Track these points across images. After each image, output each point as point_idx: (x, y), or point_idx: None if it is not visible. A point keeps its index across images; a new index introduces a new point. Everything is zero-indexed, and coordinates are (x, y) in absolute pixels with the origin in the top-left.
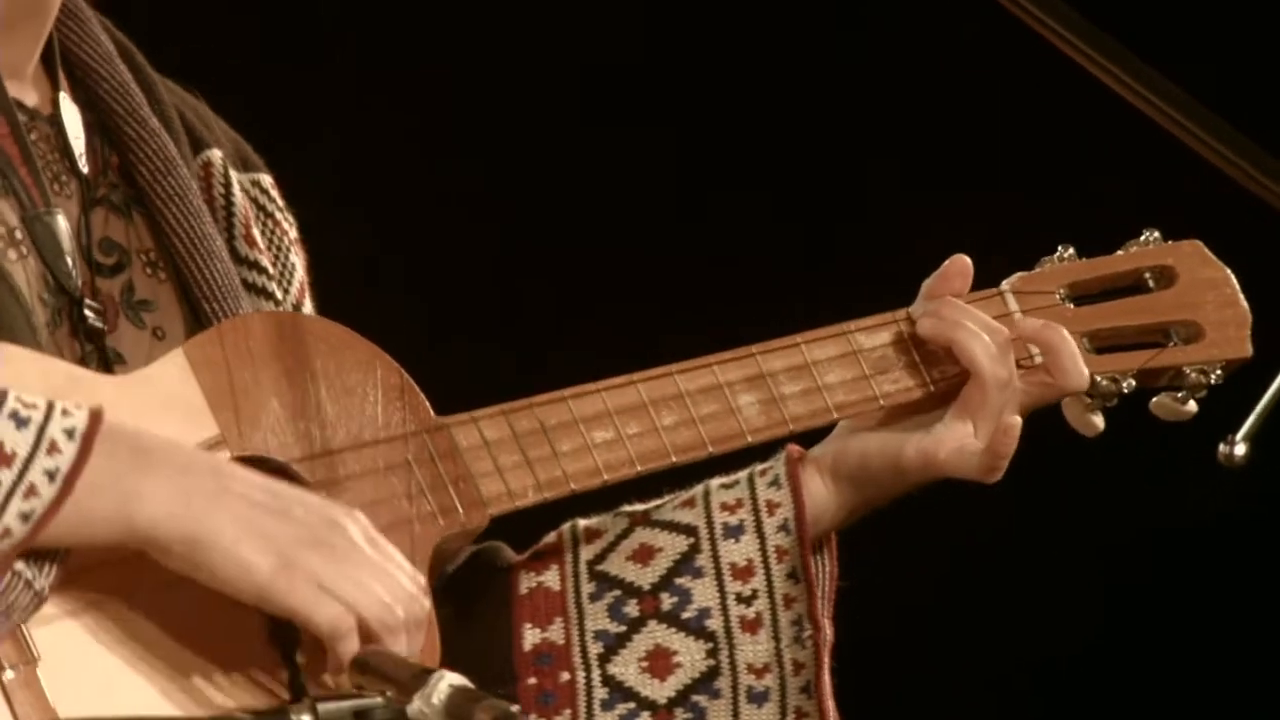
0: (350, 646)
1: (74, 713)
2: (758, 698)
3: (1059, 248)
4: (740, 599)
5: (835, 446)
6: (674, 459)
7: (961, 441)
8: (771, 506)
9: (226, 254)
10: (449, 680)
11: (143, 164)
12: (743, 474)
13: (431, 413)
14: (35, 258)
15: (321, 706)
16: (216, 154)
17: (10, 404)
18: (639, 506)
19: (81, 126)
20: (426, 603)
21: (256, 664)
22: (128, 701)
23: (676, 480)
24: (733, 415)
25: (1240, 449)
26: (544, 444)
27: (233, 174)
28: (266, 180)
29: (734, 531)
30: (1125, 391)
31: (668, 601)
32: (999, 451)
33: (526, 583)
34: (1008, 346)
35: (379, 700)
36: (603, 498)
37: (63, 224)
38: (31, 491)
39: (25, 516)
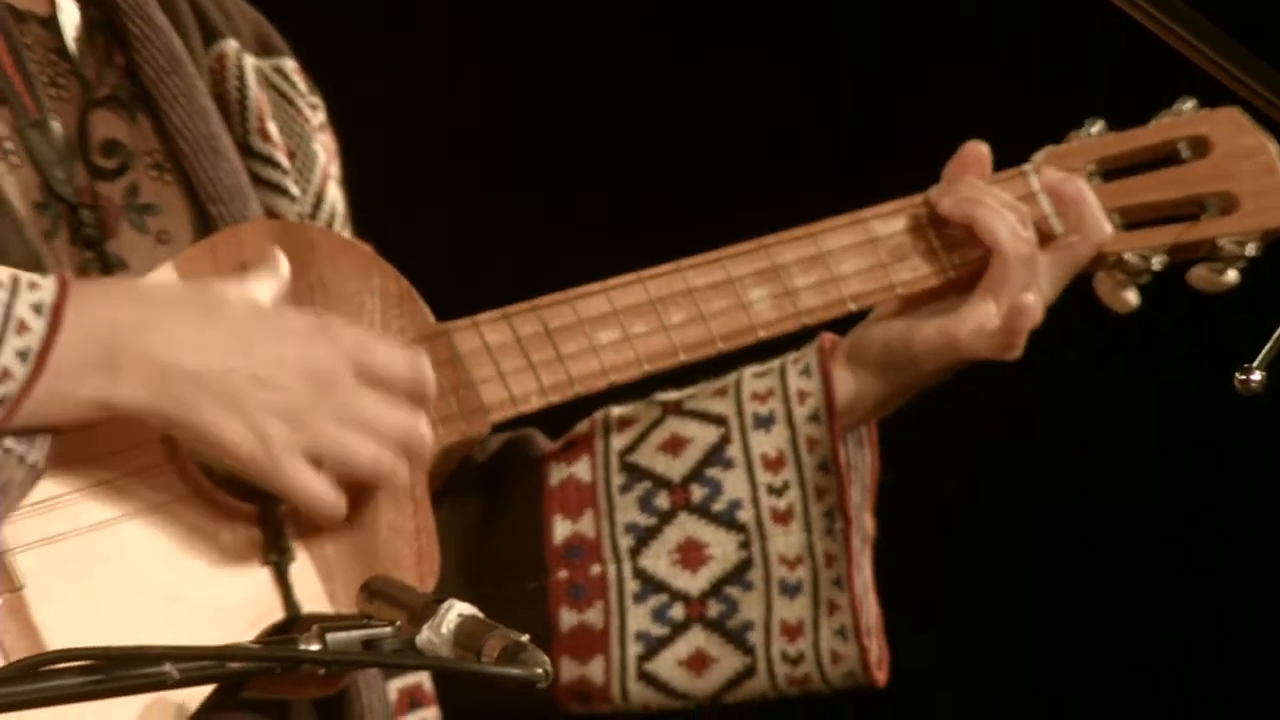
0: (339, 514)
1: (62, 640)
2: (790, 589)
3: (1086, 121)
4: (771, 490)
5: (858, 334)
6: (682, 357)
7: (982, 321)
8: (802, 396)
9: (235, 153)
10: (458, 610)
11: (148, 63)
12: (776, 362)
13: (432, 319)
14: (30, 166)
15: (330, 636)
16: (231, 44)
17: None
18: (672, 395)
19: (81, 25)
20: (425, 429)
21: (248, 588)
22: (116, 628)
23: (716, 369)
24: (743, 310)
25: (1257, 376)
26: (548, 347)
27: (249, 62)
28: (289, 65)
29: (764, 422)
30: (1156, 268)
31: (698, 493)
32: (1013, 328)
33: (557, 474)
34: (1029, 221)
35: (388, 630)
36: (638, 384)
37: (57, 129)
38: (5, 375)
39: (0, 401)
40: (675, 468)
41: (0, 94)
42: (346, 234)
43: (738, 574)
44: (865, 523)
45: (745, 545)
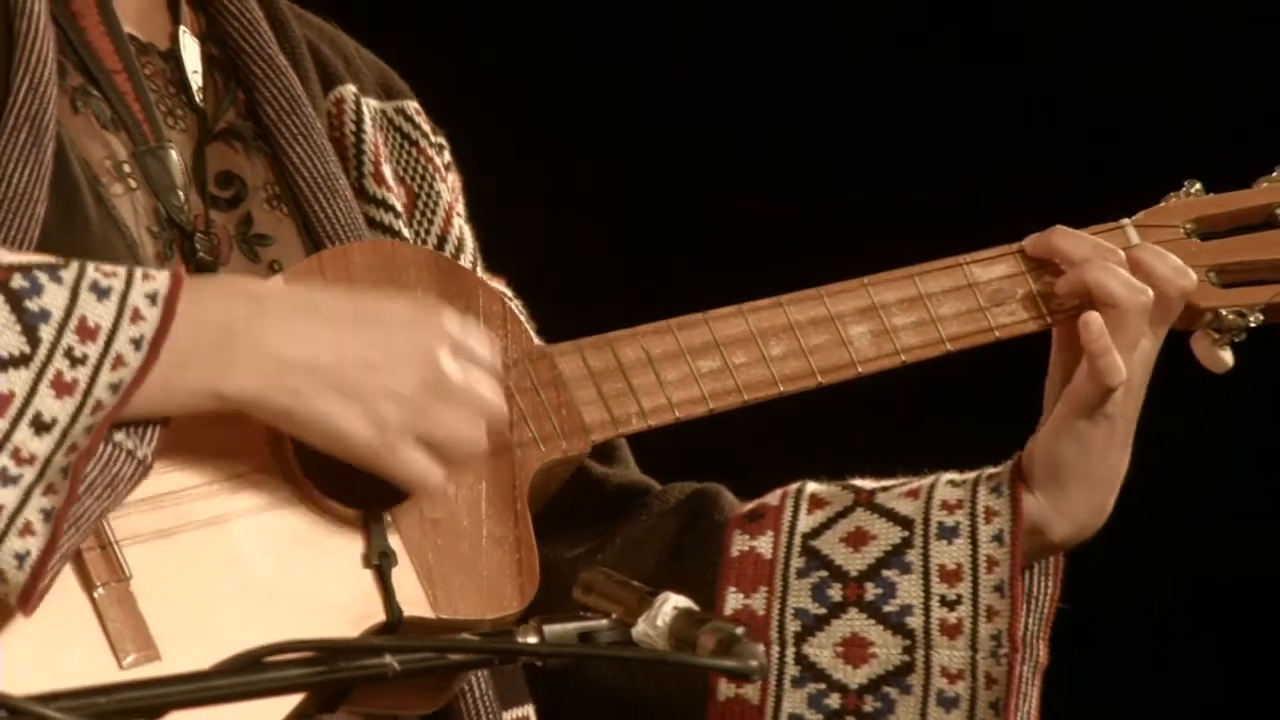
0: (447, 495)
1: (168, 631)
2: (947, 702)
3: (1185, 183)
4: (944, 602)
5: (1026, 458)
6: (781, 389)
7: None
8: (989, 514)
9: (350, 193)
10: (674, 602)
11: (268, 103)
12: (973, 474)
13: (535, 340)
14: (145, 191)
15: (547, 628)
16: (350, 89)
17: (90, 275)
18: (868, 484)
19: (200, 61)
20: (501, 403)
21: (350, 590)
22: (220, 623)
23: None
24: (843, 346)
25: None
26: (649, 372)
27: (369, 106)
28: (411, 107)
29: (948, 533)
30: (1253, 325)
31: (871, 592)
32: (1093, 350)
33: (739, 545)
34: (1125, 264)
35: (604, 622)
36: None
37: (175, 157)
38: (119, 361)
39: (114, 387)
40: (854, 562)
41: (120, 120)
42: (474, 267)
43: (898, 676)
44: (1039, 651)
45: (909, 650)
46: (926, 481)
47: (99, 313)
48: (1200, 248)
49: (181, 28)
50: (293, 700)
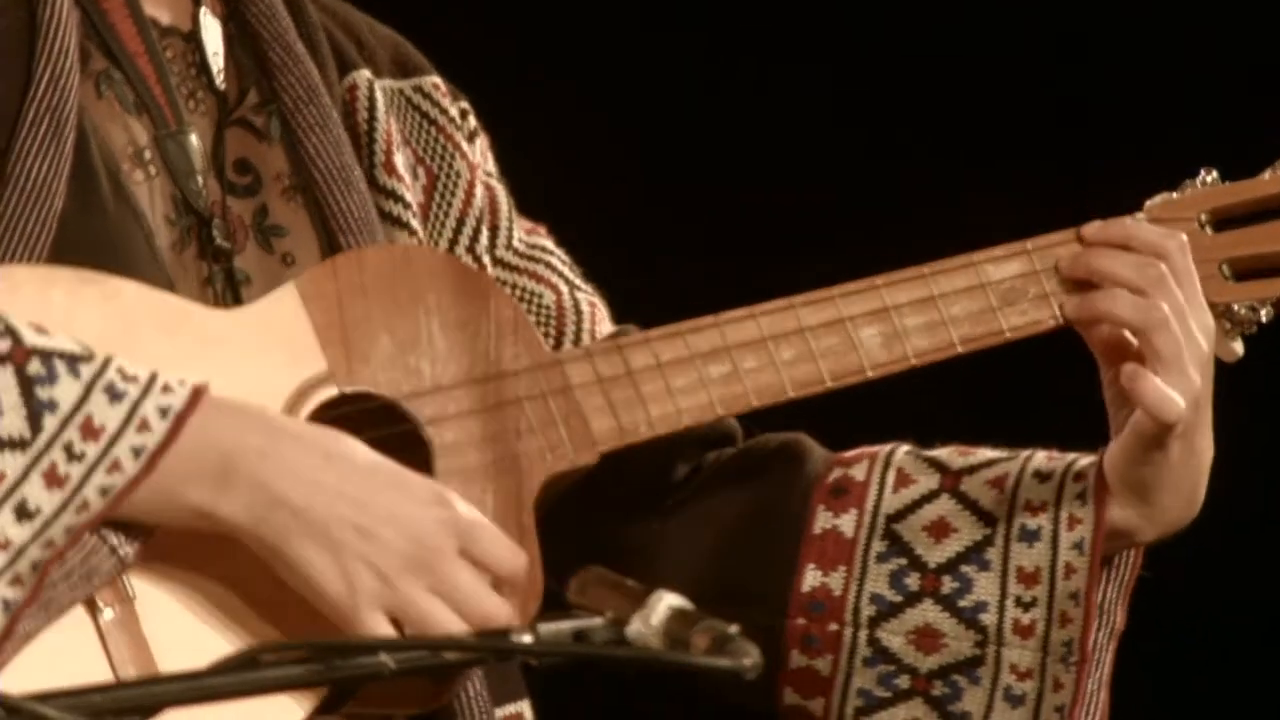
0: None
1: (171, 652)
2: (1014, 699)
3: (1201, 171)
4: (1020, 602)
5: (1105, 467)
6: (791, 394)
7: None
8: (1073, 521)
9: (365, 185)
10: (668, 601)
11: (285, 91)
12: (1060, 468)
13: (545, 347)
14: (165, 177)
15: (542, 627)
16: (363, 75)
17: (109, 376)
18: (956, 459)
19: (222, 43)
20: (509, 621)
21: None
22: (223, 642)
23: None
24: (854, 350)
25: None
26: (658, 379)
27: (384, 88)
28: (429, 82)
29: (1030, 535)
30: (1264, 320)
31: (949, 585)
32: (1139, 400)
33: (822, 522)
34: (1160, 279)
35: (598, 621)
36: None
37: (195, 142)
38: (115, 467)
39: (104, 491)
40: (934, 554)
41: (142, 103)
42: (509, 227)
43: (968, 667)
44: (1116, 618)
45: (981, 645)
46: (1014, 468)
47: (107, 414)
48: (1214, 240)
49: (202, 8)
50: (297, 700)
